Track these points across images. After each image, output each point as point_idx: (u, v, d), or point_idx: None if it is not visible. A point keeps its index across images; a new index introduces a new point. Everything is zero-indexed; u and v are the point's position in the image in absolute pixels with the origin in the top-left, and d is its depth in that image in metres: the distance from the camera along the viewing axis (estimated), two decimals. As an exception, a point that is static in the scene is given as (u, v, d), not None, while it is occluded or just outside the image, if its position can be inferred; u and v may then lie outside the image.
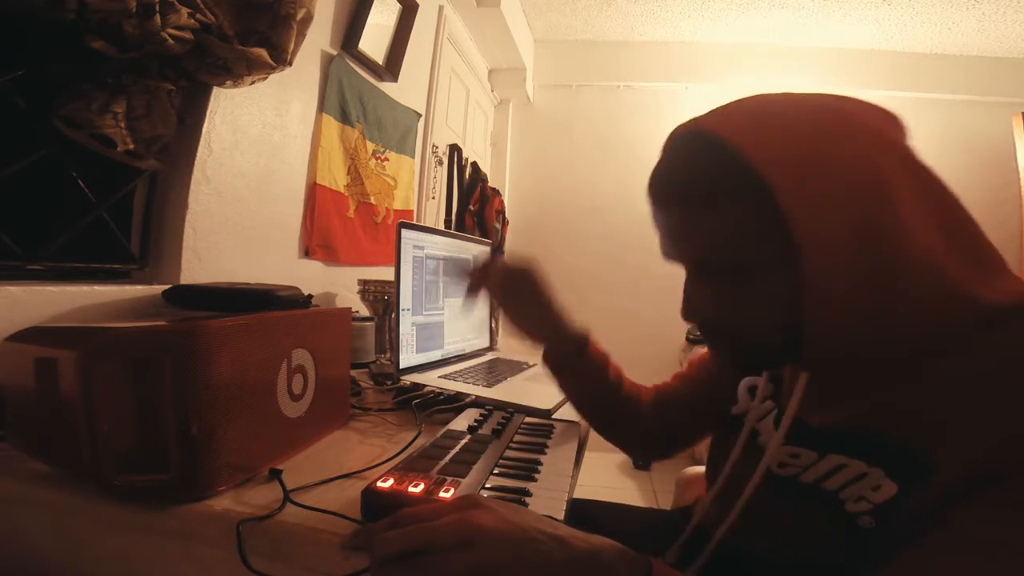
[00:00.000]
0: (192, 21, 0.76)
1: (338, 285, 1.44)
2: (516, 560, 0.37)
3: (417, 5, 1.67)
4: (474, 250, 1.38)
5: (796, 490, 0.49)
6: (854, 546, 0.44)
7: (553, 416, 0.85)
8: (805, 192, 0.39)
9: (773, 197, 0.39)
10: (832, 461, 0.46)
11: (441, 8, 2.03)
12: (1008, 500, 0.35)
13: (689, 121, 0.46)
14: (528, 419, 0.83)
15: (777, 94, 0.45)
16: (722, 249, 0.44)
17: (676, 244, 0.48)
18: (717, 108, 0.46)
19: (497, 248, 2.54)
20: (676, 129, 0.47)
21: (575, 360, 0.71)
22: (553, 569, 0.37)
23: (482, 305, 0.67)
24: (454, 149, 2.28)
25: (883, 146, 0.41)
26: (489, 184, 2.57)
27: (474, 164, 2.52)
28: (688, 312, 0.50)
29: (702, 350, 0.75)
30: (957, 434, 0.38)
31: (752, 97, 0.46)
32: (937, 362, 0.40)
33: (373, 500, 0.48)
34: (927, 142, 2.74)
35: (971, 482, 0.36)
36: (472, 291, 0.70)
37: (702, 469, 0.68)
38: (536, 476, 0.61)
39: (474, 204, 2.40)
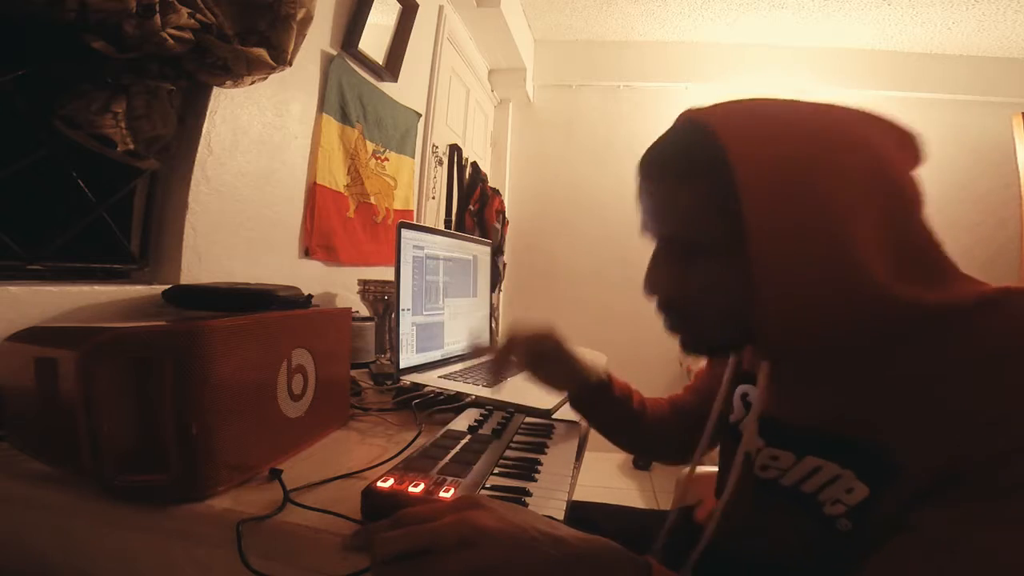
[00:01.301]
0: (192, 21, 0.76)
1: (338, 285, 1.44)
2: (515, 560, 0.37)
3: (417, 5, 1.67)
4: (474, 250, 1.38)
5: (778, 493, 0.49)
6: (835, 549, 0.44)
7: (553, 416, 0.85)
8: (761, 179, 0.41)
9: (732, 177, 0.42)
10: (809, 463, 0.47)
11: (441, 8, 2.03)
12: (970, 500, 0.35)
13: (690, 108, 0.49)
14: (528, 419, 0.83)
15: (783, 99, 0.47)
16: (687, 224, 0.47)
17: (652, 217, 0.51)
18: (714, 103, 0.48)
19: (497, 248, 2.54)
20: (682, 113, 0.50)
21: (600, 401, 0.75)
22: (551, 570, 0.37)
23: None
24: (454, 149, 2.28)
25: (854, 153, 0.42)
26: (489, 184, 2.57)
27: (474, 164, 2.52)
28: (649, 286, 0.52)
29: (703, 360, 0.77)
30: (917, 435, 0.39)
31: (757, 97, 0.47)
32: (889, 360, 0.41)
33: (373, 500, 0.48)
34: (927, 142, 2.76)
35: (936, 483, 0.37)
36: (498, 368, 0.73)
37: (701, 469, 0.69)
38: (536, 476, 0.61)
39: (474, 204, 2.40)
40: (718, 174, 0.43)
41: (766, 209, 0.41)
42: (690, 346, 0.54)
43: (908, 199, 0.44)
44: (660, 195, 0.49)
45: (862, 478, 0.42)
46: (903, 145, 0.45)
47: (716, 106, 0.47)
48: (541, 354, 0.72)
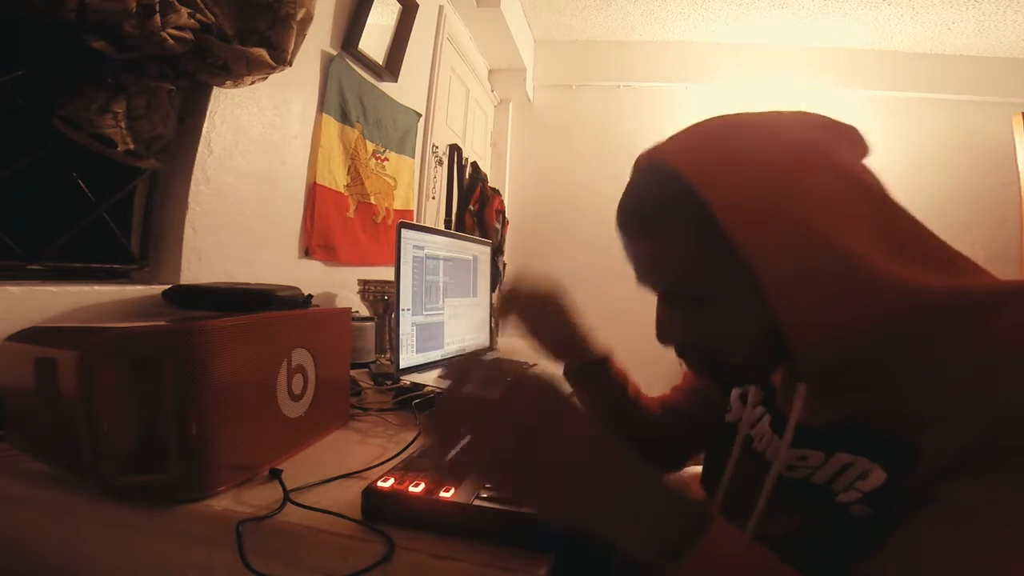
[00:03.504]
0: (192, 21, 0.76)
1: (338, 285, 1.44)
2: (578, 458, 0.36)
3: (417, 5, 1.67)
4: (474, 250, 1.38)
5: (789, 486, 0.49)
6: (852, 536, 0.44)
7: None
8: (748, 218, 0.41)
9: (719, 225, 0.41)
10: (840, 460, 0.46)
11: (441, 8, 2.03)
12: (994, 473, 0.35)
13: (651, 149, 0.48)
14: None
15: (729, 117, 0.47)
16: (685, 277, 0.46)
17: (644, 274, 0.50)
18: (677, 133, 0.48)
19: (497, 248, 2.54)
20: (639, 157, 0.49)
21: (596, 376, 0.73)
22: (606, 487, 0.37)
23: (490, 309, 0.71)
24: (454, 149, 2.28)
25: (821, 165, 0.43)
26: (489, 184, 2.57)
27: (474, 164, 2.52)
28: (662, 336, 0.51)
29: None
30: (943, 420, 0.39)
31: (708, 122, 0.48)
32: (914, 354, 0.42)
33: (373, 500, 0.48)
34: (927, 142, 2.75)
35: (961, 461, 0.37)
36: (502, 315, 0.71)
37: (700, 469, 0.69)
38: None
39: (474, 204, 2.40)
40: (705, 225, 0.42)
41: (764, 246, 0.41)
42: (717, 382, 0.53)
43: (881, 192, 0.45)
44: (652, 253, 0.48)
45: (878, 462, 0.42)
46: (851, 141, 0.46)
47: (671, 144, 0.46)
48: (542, 317, 0.70)
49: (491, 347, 1.47)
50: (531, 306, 0.70)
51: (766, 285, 0.41)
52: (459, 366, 0.42)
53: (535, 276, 0.71)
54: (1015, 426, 0.35)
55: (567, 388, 0.39)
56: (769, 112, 0.47)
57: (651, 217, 0.46)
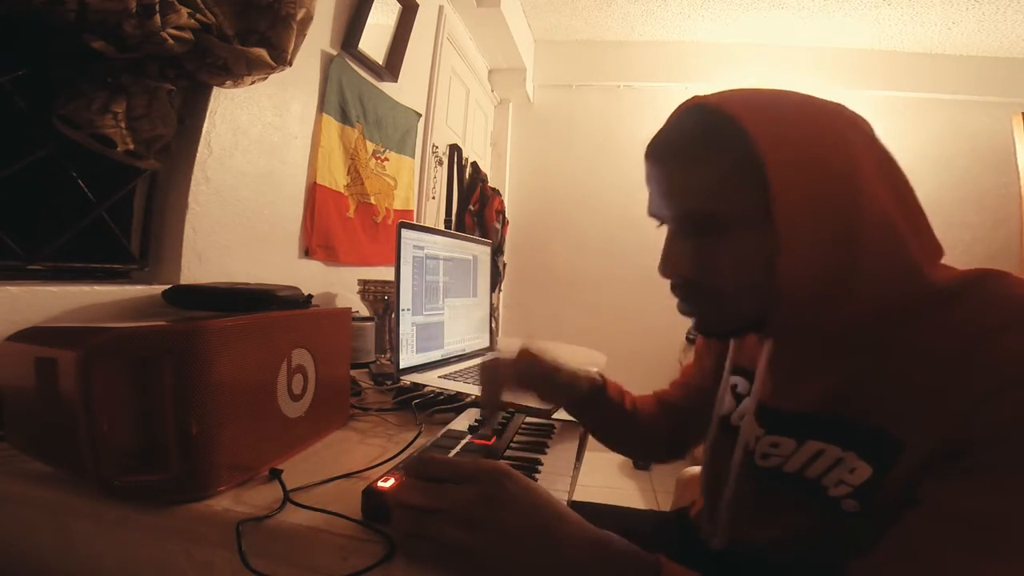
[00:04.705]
0: (192, 21, 0.76)
1: (338, 285, 1.43)
2: (504, 564, 0.39)
3: (417, 5, 1.67)
4: (474, 250, 1.38)
5: (781, 481, 0.50)
6: (842, 531, 0.45)
7: (553, 416, 0.85)
8: (782, 149, 0.43)
9: (755, 149, 0.43)
10: (810, 448, 0.47)
11: (441, 8, 2.03)
12: (976, 471, 0.36)
13: (691, 97, 0.50)
14: (528, 419, 0.83)
15: (774, 88, 0.49)
16: (707, 199, 0.47)
17: (665, 197, 0.51)
18: (717, 92, 0.49)
19: (497, 248, 2.54)
20: (679, 106, 0.51)
21: (594, 405, 0.75)
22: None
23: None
24: (454, 149, 2.28)
25: (856, 130, 0.45)
26: (489, 184, 2.57)
27: (474, 164, 2.52)
28: (665, 268, 0.52)
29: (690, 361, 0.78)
30: (919, 410, 0.39)
31: (746, 87, 0.50)
32: (894, 337, 0.43)
33: (373, 500, 0.48)
34: (927, 142, 2.76)
35: (938, 456, 0.38)
36: (493, 413, 0.70)
37: (699, 469, 0.69)
38: (537, 476, 0.61)
39: (474, 204, 2.40)
40: (740, 148, 0.43)
41: (792, 178, 0.42)
42: (707, 328, 0.54)
43: (900, 172, 0.46)
44: (678, 174, 0.49)
45: (864, 458, 0.43)
46: (871, 127, 0.48)
47: (720, 94, 0.48)
48: (528, 379, 0.69)
49: (490, 347, 1.47)
50: (515, 378, 0.70)
51: (783, 212, 0.42)
52: (412, 467, 0.44)
53: (505, 350, 0.72)
54: (985, 421, 0.36)
55: (514, 478, 0.42)
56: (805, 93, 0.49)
57: (689, 143, 0.48)
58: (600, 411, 0.75)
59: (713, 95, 0.48)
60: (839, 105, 0.47)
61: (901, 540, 0.38)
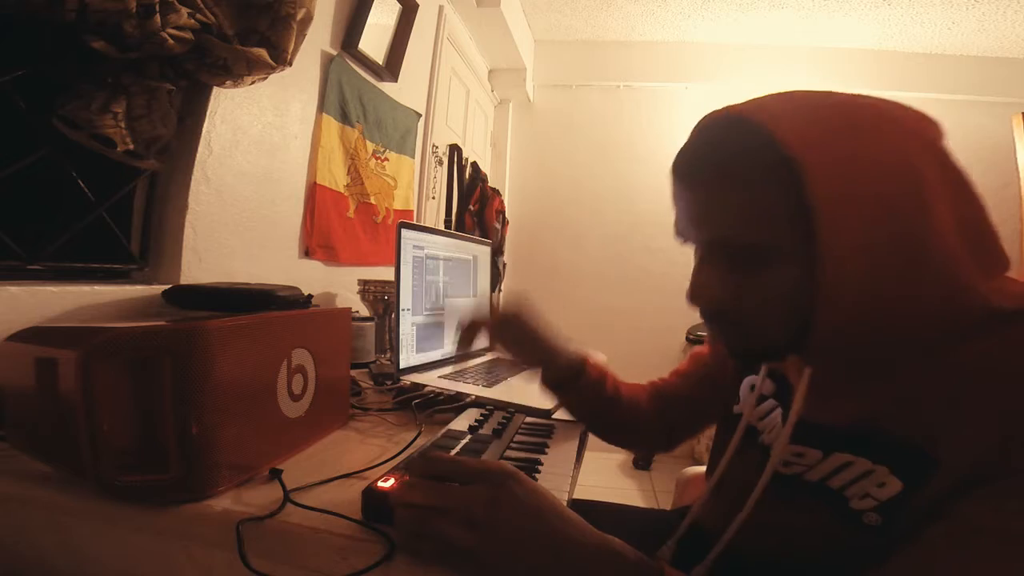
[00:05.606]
0: (192, 21, 0.76)
1: (338, 285, 1.43)
2: (505, 563, 0.39)
3: (417, 5, 1.67)
4: (474, 250, 1.38)
5: (801, 489, 0.49)
6: (858, 543, 0.44)
7: (553, 416, 0.85)
8: (833, 181, 0.39)
9: (803, 183, 0.39)
10: (837, 459, 0.46)
11: (441, 8, 2.03)
12: (1010, 491, 0.35)
13: (722, 108, 0.46)
14: (528, 419, 0.83)
15: (811, 90, 0.45)
16: (746, 228, 0.43)
17: (697, 222, 0.47)
18: (751, 99, 0.46)
19: (497, 248, 2.54)
20: (707, 115, 0.47)
21: (572, 381, 0.74)
22: None
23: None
24: (454, 149, 2.28)
25: (920, 146, 0.41)
26: (489, 184, 2.57)
27: (474, 164, 2.52)
28: (695, 295, 0.49)
29: (701, 348, 0.77)
30: (960, 431, 0.38)
31: (786, 91, 0.45)
32: (940, 358, 0.41)
33: (373, 500, 0.48)
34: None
35: (974, 477, 0.37)
36: (464, 344, 0.73)
37: (702, 469, 0.69)
38: (537, 476, 0.61)
39: (474, 204, 2.40)
40: (784, 175, 0.40)
41: (844, 214, 0.39)
42: (740, 354, 0.52)
43: (966, 183, 0.43)
44: (714, 199, 0.45)
45: (897, 473, 0.42)
46: (933, 127, 0.45)
47: (757, 103, 0.44)
48: (510, 333, 0.70)
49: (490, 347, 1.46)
50: (497, 328, 0.71)
51: (830, 248, 0.39)
52: (416, 465, 0.45)
53: (508, 297, 0.73)
54: None
55: (520, 481, 0.42)
56: (857, 94, 0.45)
57: (725, 162, 0.44)
58: (577, 387, 0.74)
59: (749, 105, 0.44)
60: (899, 107, 0.43)
61: (921, 554, 0.37)
